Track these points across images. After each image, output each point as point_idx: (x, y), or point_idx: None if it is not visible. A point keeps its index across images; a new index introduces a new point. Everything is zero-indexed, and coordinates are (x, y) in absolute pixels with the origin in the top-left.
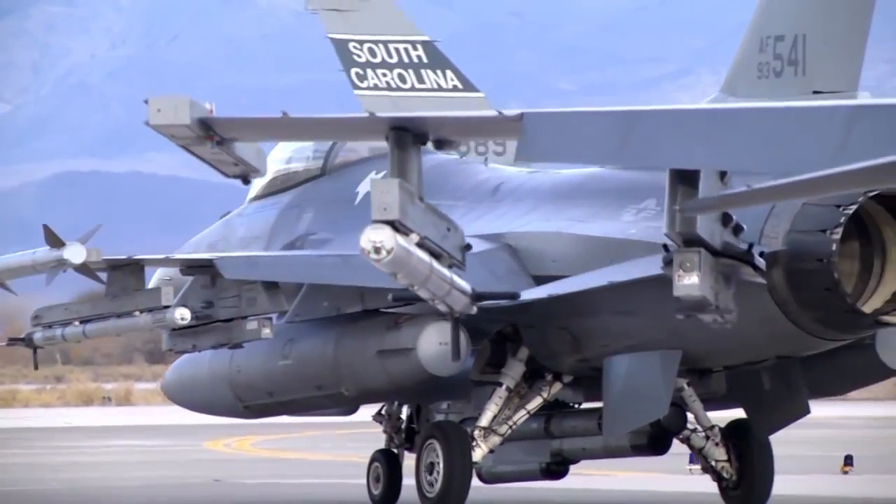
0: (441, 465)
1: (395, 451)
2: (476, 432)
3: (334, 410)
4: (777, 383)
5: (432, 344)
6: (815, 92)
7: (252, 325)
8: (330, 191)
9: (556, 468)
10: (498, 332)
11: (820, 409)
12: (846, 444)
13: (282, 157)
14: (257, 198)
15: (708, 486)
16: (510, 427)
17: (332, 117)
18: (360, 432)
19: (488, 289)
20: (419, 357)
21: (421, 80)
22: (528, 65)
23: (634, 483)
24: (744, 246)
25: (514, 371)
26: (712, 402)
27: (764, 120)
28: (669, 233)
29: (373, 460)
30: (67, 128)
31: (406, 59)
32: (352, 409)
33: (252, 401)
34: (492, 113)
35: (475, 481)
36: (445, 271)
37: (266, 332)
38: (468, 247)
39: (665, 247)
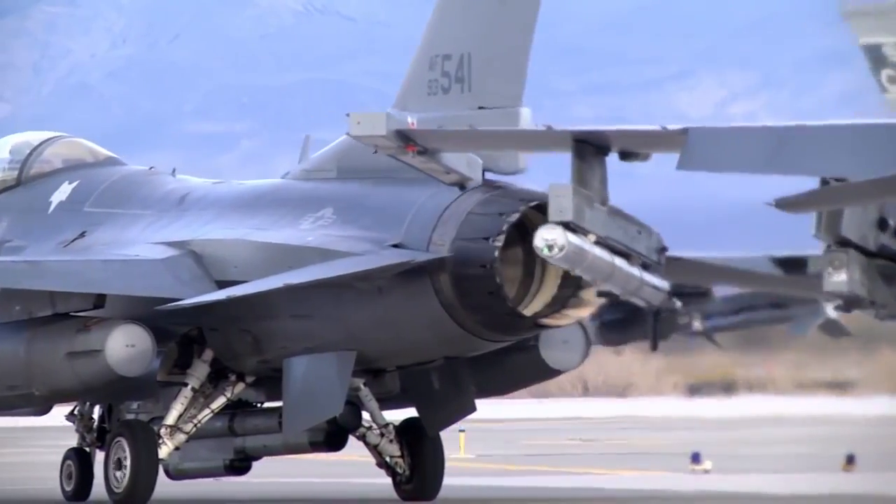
0: (128, 462)
1: (87, 449)
2: (162, 430)
3: (27, 410)
4: (445, 383)
5: (120, 346)
6: (481, 107)
7: None
8: (25, 200)
9: (240, 465)
10: (184, 334)
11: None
12: (848, 443)
13: None
14: None
15: (709, 485)
16: (195, 425)
17: (518, 130)
18: None
19: (173, 294)
20: (107, 358)
21: None
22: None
23: (636, 482)
24: None
25: (199, 372)
26: (388, 402)
27: None
28: (820, 234)
29: (65, 458)
30: (68, 128)
31: None
32: (44, 410)
33: None
34: (656, 128)
35: (163, 478)
36: (633, 269)
37: None
38: (665, 248)
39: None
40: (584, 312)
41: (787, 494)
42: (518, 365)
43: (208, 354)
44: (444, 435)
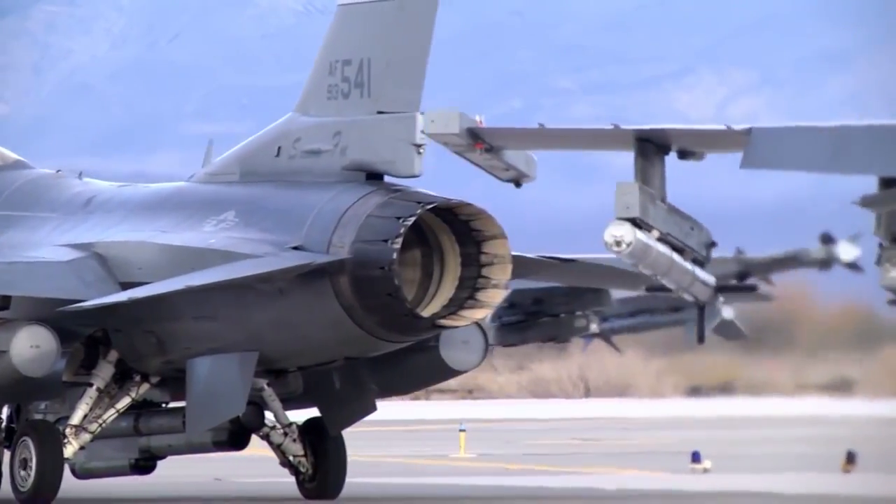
0: (33, 462)
1: None
2: (68, 430)
3: None
4: (346, 383)
5: (24, 347)
6: (380, 112)
7: None
8: None
9: (145, 464)
10: (89, 335)
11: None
12: (848, 442)
13: None
14: None
15: (709, 485)
16: (100, 425)
17: (583, 129)
18: (361, 431)
19: (77, 296)
20: (11, 359)
21: None
22: (528, 63)
23: (636, 482)
24: None
25: (104, 372)
26: (292, 402)
27: None
28: (878, 232)
29: None
30: (68, 128)
31: None
32: None
33: None
34: (721, 127)
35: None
36: (687, 264)
37: None
38: (713, 244)
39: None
40: (481, 314)
41: (786, 493)
42: (419, 365)
43: (113, 355)
44: (445, 434)
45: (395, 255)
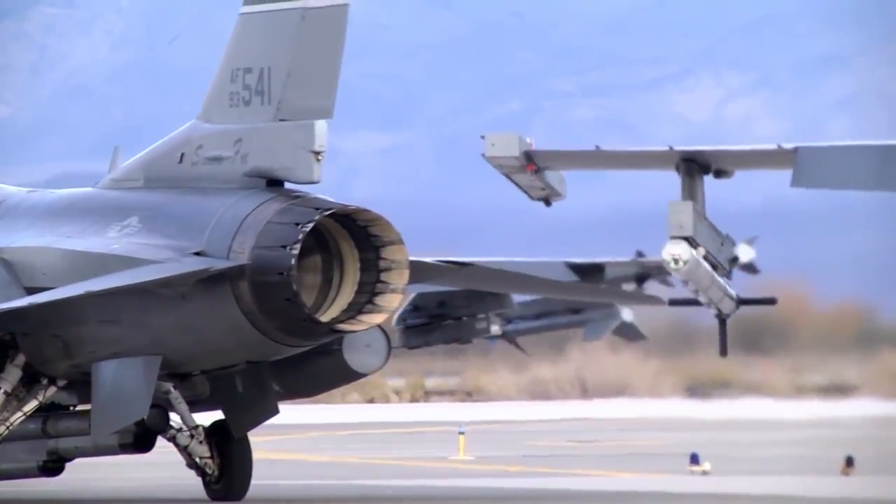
0: None
1: None
2: None
3: None
4: (249, 386)
5: None
6: (282, 120)
7: None
8: None
9: (53, 465)
10: None
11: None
12: (847, 445)
13: None
14: None
15: (708, 486)
16: (8, 427)
17: (633, 150)
18: (362, 433)
19: None
20: None
21: None
22: (528, 65)
23: (634, 483)
24: None
25: (11, 376)
26: (199, 405)
27: None
28: None
29: None
30: (67, 130)
31: None
32: None
33: None
34: (770, 146)
35: None
36: (721, 280)
37: None
38: (736, 259)
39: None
40: (380, 318)
41: (785, 496)
42: (322, 368)
43: (20, 359)
44: (444, 436)
45: (293, 261)
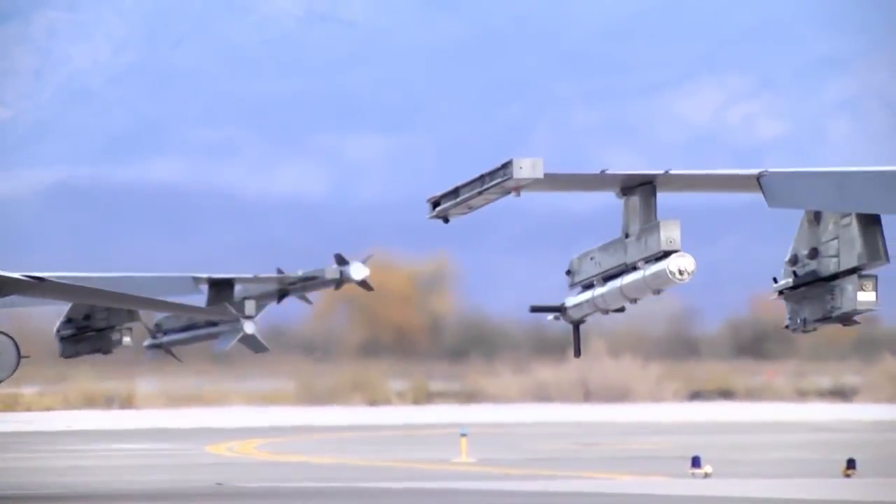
0: None
1: None
2: None
3: None
4: None
5: None
6: None
7: None
8: None
9: None
10: None
11: (821, 412)
12: (848, 448)
13: None
14: None
15: (709, 490)
16: None
17: (613, 174)
18: (363, 436)
19: None
20: None
21: None
22: (529, 71)
23: (636, 486)
24: None
25: None
26: None
27: None
28: None
29: None
30: (69, 133)
31: None
32: None
33: None
34: (733, 172)
35: None
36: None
37: None
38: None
39: None
40: None
41: (787, 499)
42: None
43: None
44: (447, 439)
45: None
